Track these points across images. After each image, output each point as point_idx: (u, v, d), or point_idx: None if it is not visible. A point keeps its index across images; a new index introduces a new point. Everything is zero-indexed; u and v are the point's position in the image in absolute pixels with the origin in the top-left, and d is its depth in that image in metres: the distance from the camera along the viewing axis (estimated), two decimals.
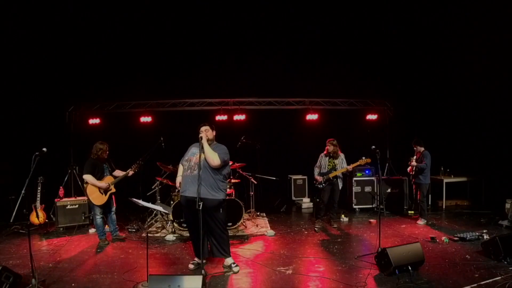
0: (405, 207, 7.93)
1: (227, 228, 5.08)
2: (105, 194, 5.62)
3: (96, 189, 5.56)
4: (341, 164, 6.60)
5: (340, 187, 6.70)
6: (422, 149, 6.76)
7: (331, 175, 6.53)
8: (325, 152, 6.70)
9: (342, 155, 6.69)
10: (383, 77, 9.25)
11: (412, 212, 7.50)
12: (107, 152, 5.75)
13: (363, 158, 6.51)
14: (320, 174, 6.67)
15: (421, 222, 6.69)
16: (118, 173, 5.93)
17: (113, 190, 5.73)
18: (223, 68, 9.22)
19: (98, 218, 5.65)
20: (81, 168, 8.45)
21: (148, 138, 7.74)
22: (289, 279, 4.21)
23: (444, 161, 8.46)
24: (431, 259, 4.71)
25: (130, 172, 5.86)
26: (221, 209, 4.38)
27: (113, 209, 5.90)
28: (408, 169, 7.00)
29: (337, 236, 6.19)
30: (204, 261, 4.44)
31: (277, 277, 4.27)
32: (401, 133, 9.02)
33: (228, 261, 4.53)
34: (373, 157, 5.80)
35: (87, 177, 5.51)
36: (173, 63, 9.31)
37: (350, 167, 6.54)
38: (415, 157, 6.77)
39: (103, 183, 5.56)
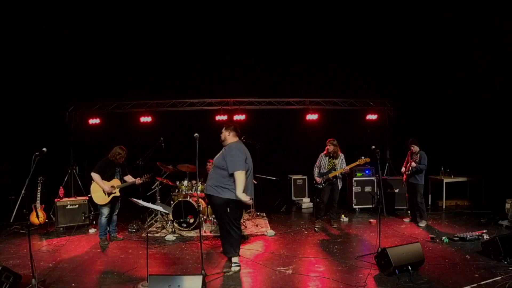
0: (405, 207, 7.92)
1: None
2: (108, 196, 5.63)
3: (100, 188, 5.60)
4: (341, 164, 6.60)
5: (339, 187, 6.70)
6: (418, 149, 6.75)
7: (330, 175, 6.52)
8: (325, 152, 6.70)
9: (342, 155, 6.69)
10: (383, 77, 9.25)
11: (409, 212, 7.44)
12: (124, 158, 5.81)
13: (362, 157, 6.51)
14: (320, 174, 6.67)
15: (422, 224, 6.62)
16: (129, 178, 5.97)
17: (117, 194, 5.73)
18: (223, 68, 9.22)
19: (103, 218, 5.68)
20: (81, 168, 8.57)
21: (148, 138, 7.76)
22: (289, 279, 4.21)
23: (444, 161, 8.45)
24: (431, 259, 4.71)
25: (138, 181, 5.87)
26: (228, 208, 4.38)
27: (116, 211, 5.94)
28: (403, 169, 6.96)
29: (337, 236, 6.18)
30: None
31: (277, 277, 4.27)
32: (401, 133, 8.99)
33: (232, 260, 4.56)
34: (373, 157, 5.80)
35: (94, 175, 5.58)
36: (173, 63, 9.31)
37: (347, 168, 6.54)
38: (416, 158, 6.63)
39: (105, 186, 5.58)
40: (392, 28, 8.43)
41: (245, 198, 4.29)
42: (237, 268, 4.47)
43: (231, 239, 4.50)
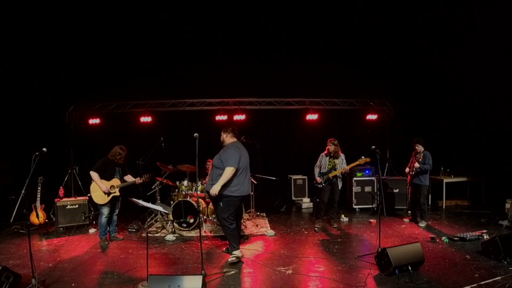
0: (405, 207, 7.92)
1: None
2: (108, 196, 5.63)
3: (99, 188, 5.60)
4: (341, 164, 6.60)
5: (340, 187, 6.70)
6: (422, 148, 6.72)
7: (330, 175, 6.53)
8: (325, 151, 6.70)
9: (342, 155, 6.69)
10: (383, 77, 9.25)
11: (410, 212, 7.44)
12: (124, 158, 5.81)
13: (362, 157, 6.51)
14: (320, 173, 6.67)
15: (422, 224, 6.61)
16: (129, 178, 5.96)
17: (117, 193, 5.72)
18: (223, 68, 9.22)
19: (103, 218, 5.68)
20: (81, 168, 8.56)
21: (148, 138, 7.76)
22: (289, 279, 4.21)
23: (444, 161, 8.45)
24: (431, 259, 4.71)
25: (138, 181, 5.86)
26: (220, 203, 4.68)
27: (117, 211, 5.94)
28: (407, 170, 6.94)
29: (337, 236, 6.18)
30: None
31: (277, 277, 4.27)
32: (401, 133, 9.01)
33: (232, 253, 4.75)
34: (373, 157, 5.79)
35: (92, 174, 5.58)
36: (173, 63, 9.31)
37: (347, 168, 6.53)
38: (420, 159, 6.61)
39: (103, 186, 5.57)
40: (392, 28, 8.44)
41: (215, 191, 4.53)
42: (233, 259, 4.63)
43: (226, 233, 4.82)
